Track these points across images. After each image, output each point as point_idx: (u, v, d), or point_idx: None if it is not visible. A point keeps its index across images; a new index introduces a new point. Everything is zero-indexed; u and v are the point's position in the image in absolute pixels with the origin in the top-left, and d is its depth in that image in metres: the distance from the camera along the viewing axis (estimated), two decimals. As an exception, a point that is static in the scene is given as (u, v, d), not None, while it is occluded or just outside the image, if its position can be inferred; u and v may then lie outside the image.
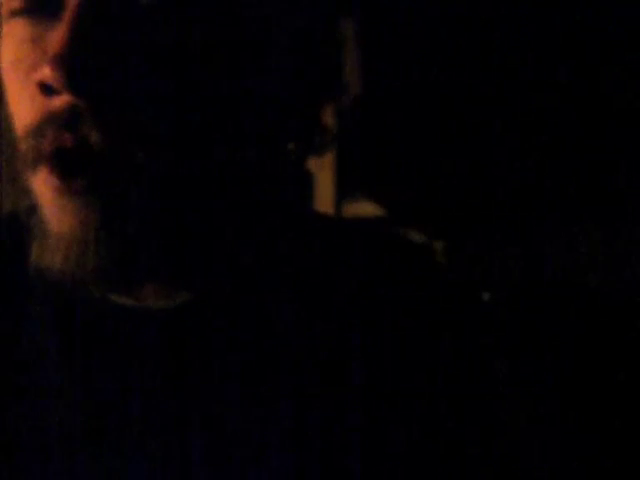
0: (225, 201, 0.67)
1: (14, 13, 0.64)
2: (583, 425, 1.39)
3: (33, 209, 0.67)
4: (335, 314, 0.73)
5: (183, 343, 0.70)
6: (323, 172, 1.66)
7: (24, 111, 0.64)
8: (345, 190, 1.66)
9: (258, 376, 0.70)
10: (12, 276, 0.74)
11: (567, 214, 1.61)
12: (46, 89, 0.61)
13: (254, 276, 0.72)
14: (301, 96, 0.69)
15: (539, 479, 0.84)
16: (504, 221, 1.63)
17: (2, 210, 0.88)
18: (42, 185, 0.63)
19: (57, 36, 0.60)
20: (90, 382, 0.70)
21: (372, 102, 1.69)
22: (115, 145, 0.61)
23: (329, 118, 0.70)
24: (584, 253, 1.58)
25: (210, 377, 0.70)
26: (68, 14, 0.60)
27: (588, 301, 1.51)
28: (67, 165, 0.62)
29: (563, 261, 1.60)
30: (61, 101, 0.61)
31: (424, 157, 1.65)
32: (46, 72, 0.59)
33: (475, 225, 1.62)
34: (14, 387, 0.71)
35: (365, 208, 1.64)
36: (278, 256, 0.73)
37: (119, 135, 0.61)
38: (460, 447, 0.74)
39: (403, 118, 1.65)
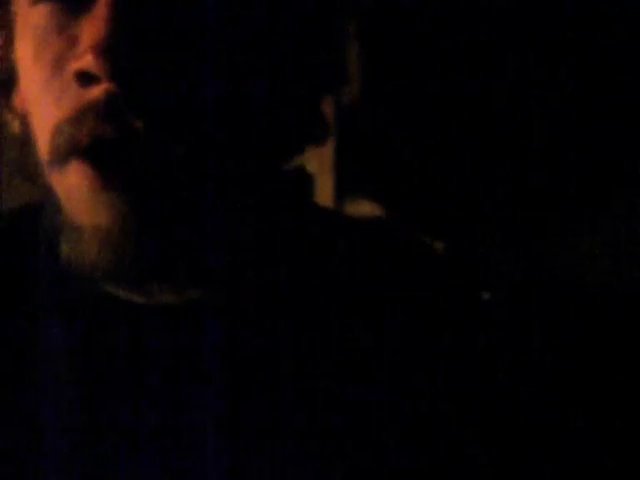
0: (237, 195, 0.67)
1: (33, 2, 0.63)
2: (583, 425, 1.39)
3: (54, 204, 0.66)
4: (337, 313, 0.73)
5: (192, 340, 0.70)
6: (323, 172, 1.65)
7: (54, 104, 0.62)
8: (345, 190, 1.65)
9: (265, 372, 0.70)
10: (20, 271, 0.74)
11: (567, 214, 1.61)
12: (85, 78, 0.59)
13: (261, 271, 0.72)
14: (302, 86, 0.69)
15: (539, 479, 0.84)
16: (504, 221, 1.63)
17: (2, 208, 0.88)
18: (77, 177, 0.61)
19: (95, 23, 0.58)
20: (99, 379, 0.70)
21: (372, 102, 1.69)
22: (155, 137, 0.60)
23: (328, 108, 0.70)
24: (584, 253, 1.58)
25: (220, 373, 0.70)
26: (103, 2, 0.59)
27: (588, 301, 1.51)
28: (106, 157, 0.60)
29: (563, 261, 1.60)
30: (100, 90, 0.59)
31: (424, 157, 1.65)
32: (87, 60, 0.58)
33: (475, 225, 1.62)
34: (20, 383, 0.71)
35: (365, 208, 1.64)
36: (284, 252, 0.73)
37: (160, 126, 0.60)
38: (460, 447, 0.74)
39: (403, 118, 1.65)
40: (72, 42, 0.60)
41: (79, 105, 0.60)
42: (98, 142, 0.60)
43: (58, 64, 0.60)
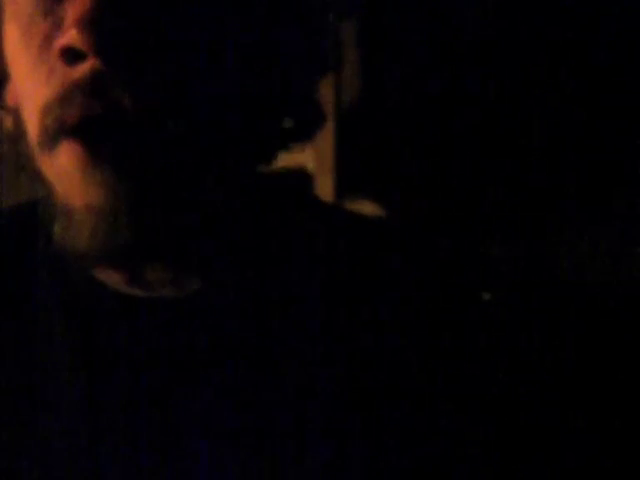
0: (236, 183, 0.67)
1: None
2: (583, 424, 1.39)
3: (49, 196, 0.65)
4: (336, 313, 0.73)
5: (193, 332, 0.70)
6: (323, 172, 1.65)
7: (42, 86, 0.61)
8: (345, 190, 1.65)
9: (266, 364, 0.70)
10: (19, 268, 0.74)
11: (567, 214, 1.61)
12: (70, 55, 0.58)
13: (262, 264, 0.72)
14: (298, 70, 0.68)
15: (539, 479, 0.84)
16: (504, 221, 1.63)
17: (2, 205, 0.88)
18: (67, 156, 0.60)
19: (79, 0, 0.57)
20: (100, 374, 0.70)
21: (372, 102, 1.69)
22: (144, 112, 0.59)
23: (326, 91, 0.69)
24: (584, 253, 1.58)
25: (221, 366, 0.70)
26: None
27: (588, 301, 1.51)
28: (95, 134, 0.59)
29: (563, 261, 1.60)
30: (86, 68, 0.58)
31: (424, 157, 1.65)
32: (72, 35, 0.57)
33: (475, 225, 1.62)
34: (20, 379, 0.71)
35: (365, 208, 1.64)
36: (284, 244, 0.73)
37: (148, 102, 0.59)
38: (459, 446, 0.73)
39: (403, 118, 1.65)
40: (58, 23, 0.59)
41: (65, 84, 0.59)
42: (86, 120, 0.59)
43: (45, 45, 0.59)
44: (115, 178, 0.59)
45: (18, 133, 0.67)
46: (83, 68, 0.58)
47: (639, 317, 1.49)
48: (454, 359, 0.74)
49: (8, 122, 0.69)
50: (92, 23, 0.56)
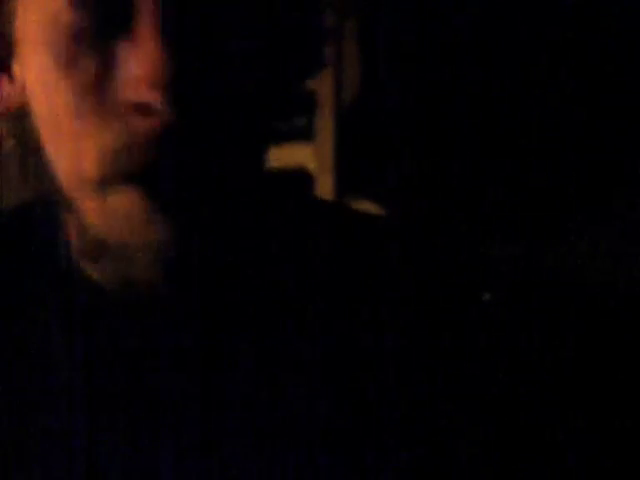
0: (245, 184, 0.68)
1: (74, 38, 0.62)
2: (583, 424, 1.39)
3: (52, 197, 0.67)
4: (336, 313, 0.74)
5: (192, 332, 0.70)
6: (323, 172, 1.66)
7: (100, 128, 0.62)
8: (345, 190, 1.66)
9: (264, 364, 0.71)
10: (18, 270, 0.74)
11: (567, 213, 1.61)
12: (142, 110, 0.60)
13: (261, 263, 0.72)
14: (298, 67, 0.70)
15: (539, 478, 0.84)
16: (504, 221, 1.63)
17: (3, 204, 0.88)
18: (130, 200, 0.62)
19: (143, 52, 0.59)
20: (99, 375, 0.71)
21: (372, 102, 1.69)
22: (205, 158, 0.62)
23: (326, 91, 0.71)
24: (584, 253, 1.58)
25: (219, 366, 0.70)
26: (148, 28, 0.59)
27: (588, 301, 1.51)
28: (160, 181, 0.61)
29: (563, 261, 1.60)
30: (156, 121, 0.60)
31: (424, 157, 1.65)
32: (144, 93, 0.59)
33: (476, 225, 1.62)
34: (20, 378, 0.72)
35: (365, 208, 1.64)
36: (284, 244, 0.74)
37: (213, 149, 0.62)
38: (459, 446, 0.74)
39: (403, 118, 1.66)
40: (110, 64, 0.61)
41: (133, 133, 0.60)
42: (153, 169, 0.61)
43: (95, 84, 0.61)
44: (176, 218, 0.62)
45: (21, 116, 0.68)
46: (153, 121, 0.60)
47: (639, 317, 1.49)
48: (454, 359, 0.74)
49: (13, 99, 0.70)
50: (166, 83, 0.58)
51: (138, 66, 0.59)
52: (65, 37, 0.62)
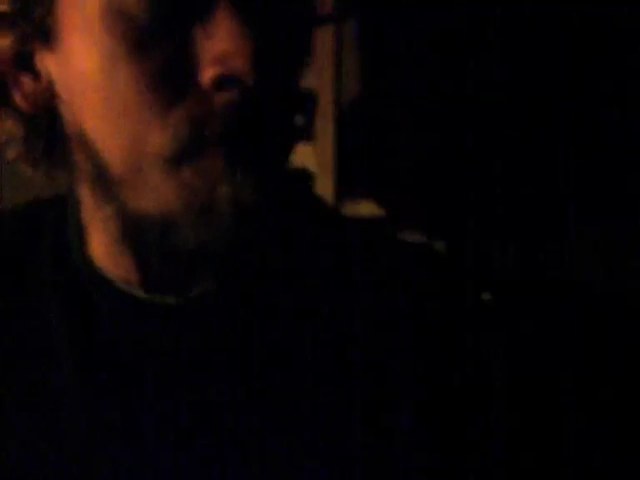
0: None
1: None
2: (583, 424, 1.39)
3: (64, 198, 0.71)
4: (336, 313, 0.74)
5: (196, 337, 0.71)
6: (323, 172, 1.66)
7: (171, 106, 0.65)
8: (345, 190, 1.66)
9: (264, 369, 0.71)
10: (24, 267, 0.75)
11: (567, 213, 1.61)
12: (223, 84, 0.64)
13: (264, 268, 0.73)
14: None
15: (539, 479, 0.84)
16: (504, 220, 1.63)
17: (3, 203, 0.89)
18: (208, 165, 0.65)
19: (227, 31, 0.64)
20: (101, 374, 0.71)
21: (372, 102, 1.69)
22: (272, 121, 0.67)
23: (326, 91, 0.74)
24: (584, 253, 1.58)
25: (222, 371, 0.70)
26: (228, 9, 0.64)
27: (587, 300, 1.51)
28: (240, 145, 0.65)
29: (563, 260, 1.60)
30: (234, 92, 0.64)
31: (424, 157, 1.65)
32: (232, 65, 0.63)
33: (475, 225, 1.62)
34: (22, 377, 0.72)
35: (365, 208, 1.64)
36: (286, 247, 0.74)
37: (275, 113, 0.67)
38: (458, 446, 0.74)
39: (403, 118, 1.66)
40: (183, 47, 0.64)
41: (210, 105, 0.65)
42: (232, 136, 0.65)
43: (168, 68, 0.64)
44: (254, 180, 0.66)
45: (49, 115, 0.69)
46: (232, 93, 0.64)
47: (639, 317, 1.49)
48: (454, 359, 0.74)
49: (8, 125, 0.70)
50: (252, 54, 0.63)
51: (224, 42, 0.64)
52: (135, 25, 0.64)
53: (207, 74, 0.64)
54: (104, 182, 0.67)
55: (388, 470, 0.71)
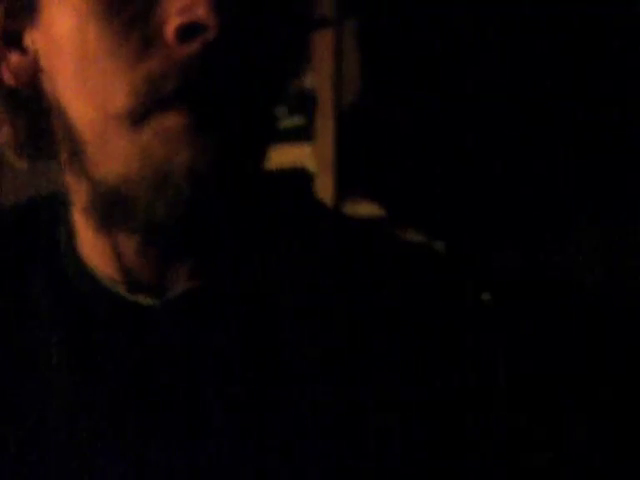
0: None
1: None
2: (583, 424, 1.39)
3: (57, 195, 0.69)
4: (335, 312, 0.74)
5: (191, 336, 0.71)
6: (323, 172, 1.66)
7: (134, 63, 0.65)
8: (345, 190, 1.66)
9: (259, 366, 0.71)
10: (23, 267, 0.75)
11: (566, 214, 1.61)
12: (186, 33, 0.64)
13: (259, 264, 0.73)
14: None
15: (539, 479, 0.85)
16: (504, 221, 1.63)
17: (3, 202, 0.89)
18: (174, 122, 0.65)
19: None
20: (97, 376, 0.71)
21: (372, 102, 1.69)
22: (240, 78, 0.66)
23: (326, 91, 0.73)
24: (584, 253, 1.58)
25: (218, 370, 0.70)
26: None
27: (588, 301, 1.51)
28: (201, 100, 0.65)
29: (563, 261, 1.60)
30: (197, 44, 0.64)
31: (424, 157, 1.65)
32: (196, 13, 0.63)
33: (475, 225, 1.62)
34: (20, 379, 0.72)
35: (365, 208, 1.64)
36: (283, 245, 0.74)
37: (244, 67, 0.66)
38: (457, 446, 0.74)
39: (403, 118, 1.66)
40: (151, 10, 0.64)
41: (171, 59, 0.64)
42: (196, 89, 0.64)
43: (135, 22, 0.64)
44: (217, 142, 0.65)
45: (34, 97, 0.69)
46: (195, 45, 0.64)
47: (639, 317, 1.49)
48: (454, 359, 0.74)
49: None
50: (214, 2, 0.63)
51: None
52: None
53: (170, 26, 0.64)
54: (77, 153, 0.68)
55: (388, 470, 0.71)
